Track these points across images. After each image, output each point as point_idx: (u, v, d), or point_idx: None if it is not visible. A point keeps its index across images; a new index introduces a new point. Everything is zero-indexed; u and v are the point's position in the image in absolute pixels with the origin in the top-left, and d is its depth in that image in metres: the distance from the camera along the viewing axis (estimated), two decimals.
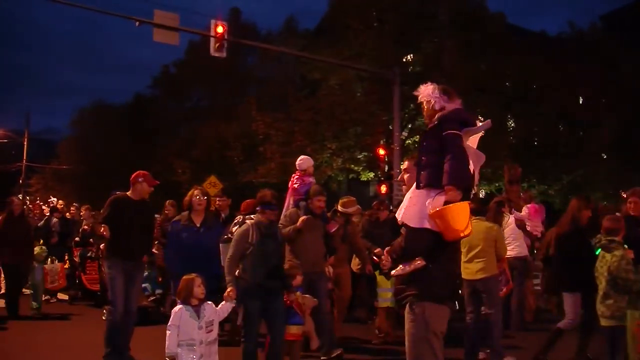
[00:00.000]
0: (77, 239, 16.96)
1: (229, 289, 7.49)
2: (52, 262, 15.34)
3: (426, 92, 5.74)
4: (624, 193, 12.68)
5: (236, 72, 40.61)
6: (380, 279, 11.08)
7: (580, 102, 33.05)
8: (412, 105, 29.65)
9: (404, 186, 6.44)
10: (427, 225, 5.29)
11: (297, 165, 10.82)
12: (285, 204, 10.44)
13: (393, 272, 5.56)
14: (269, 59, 40.18)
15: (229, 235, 8.93)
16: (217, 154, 36.64)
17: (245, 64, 42.87)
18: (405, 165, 6.51)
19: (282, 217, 9.89)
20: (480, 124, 5.77)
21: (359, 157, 31.22)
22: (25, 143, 51.99)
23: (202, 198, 9.57)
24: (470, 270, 9.22)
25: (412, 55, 32.10)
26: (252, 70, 42.43)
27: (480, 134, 5.74)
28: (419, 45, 30.28)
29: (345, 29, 29.71)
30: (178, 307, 6.82)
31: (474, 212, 9.49)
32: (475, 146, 5.68)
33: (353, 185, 35.44)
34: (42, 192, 52.86)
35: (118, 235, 9.18)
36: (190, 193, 9.71)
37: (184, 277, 7.02)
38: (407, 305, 5.45)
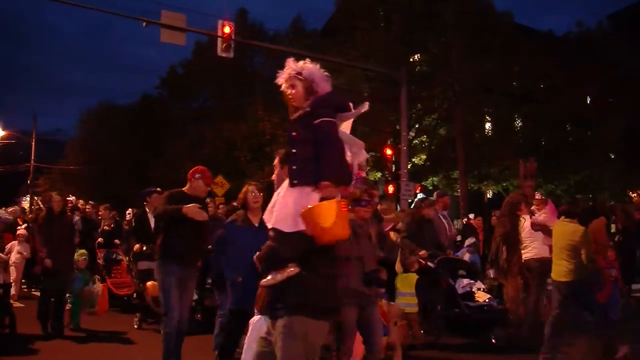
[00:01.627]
0: (99, 240, 15.61)
1: None
2: (93, 282, 13.22)
3: (311, 69, 4.86)
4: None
5: (243, 72, 40.58)
6: (400, 283, 10.31)
7: (588, 102, 33.00)
8: (419, 105, 29.70)
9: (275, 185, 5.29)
10: (302, 227, 4.50)
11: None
12: None
13: (263, 281, 4.81)
14: (276, 59, 40.16)
15: None
16: (224, 154, 36.66)
17: (252, 64, 42.82)
18: (275, 161, 5.49)
19: None
20: (354, 109, 5.02)
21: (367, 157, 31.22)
22: (33, 144, 52.02)
23: (258, 194, 8.26)
24: (556, 271, 9.21)
25: (419, 55, 32.11)
26: (259, 70, 42.38)
27: (352, 119, 5.10)
28: (426, 45, 30.29)
29: (352, 29, 29.74)
30: (257, 317, 6.06)
31: (564, 214, 9.50)
32: (348, 131, 5.04)
33: None
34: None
35: (174, 236, 8.35)
36: (244, 189, 8.46)
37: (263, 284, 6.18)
38: (280, 319, 4.60)
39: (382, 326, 7.58)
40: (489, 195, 35.97)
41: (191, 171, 9.08)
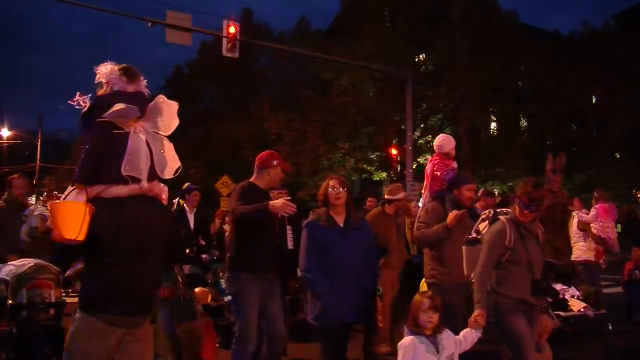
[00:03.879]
0: None
1: (477, 312, 5.70)
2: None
3: (104, 71, 4.54)
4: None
5: (249, 72, 40.58)
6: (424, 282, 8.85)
7: (593, 102, 32.98)
8: (424, 105, 29.68)
9: None
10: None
11: (436, 147, 8.49)
12: (423, 197, 8.29)
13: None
14: (281, 59, 40.18)
15: (475, 235, 6.66)
16: (230, 154, 36.67)
17: (258, 64, 42.82)
18: None
19: (422, 212, 7.80)
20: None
21: (371, 157, 31.26)
22: (39, 144, 52.11)
23: (340, 190, 6.88)
24: None
25: (424, 54, 32.13)
26: (265, 70, 42.38)
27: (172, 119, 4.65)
28: (431, 44, 30.28)
29: (358, 29, 29.75)
30: (408, 338, 5.29)
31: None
32: (166, 131, 4.58)
33: (365, 185, 35.43)
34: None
35: (251, 242, 6.92)
36: (325, 184, 7.09)
37: (415, 297, 5.46)
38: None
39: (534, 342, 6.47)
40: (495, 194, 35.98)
41: (264, 156, 7.38)
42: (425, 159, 31.64)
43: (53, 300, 7.43)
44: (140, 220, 4.15)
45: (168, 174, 4.33)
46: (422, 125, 31.59)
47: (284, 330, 7.09)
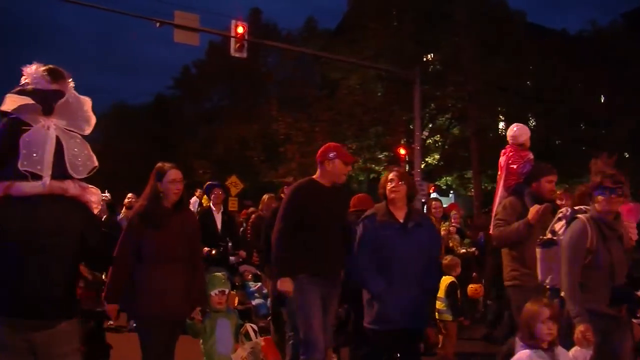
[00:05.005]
0: None
1: (581, 328, 4.96)
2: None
3: (28, 71, 4.40)
4: None
5: (256, 72, 40.62)
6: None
7: (601, 101, 32.90)
8: (432, 104, 29.65)
9: None
10: None
11: (509, 138, 7.75)
12: (497, 191, 7.69)
13: None
14: (289, 59, 40.21)
15: (550, 236, 5.91)
16: (238, 154, 36.71)
17: (266, 64, 42.86)
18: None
19: (499, 209, 7.18)
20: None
21: (379, 156, 31.25)
22: None
23: (398, 182, 6.27)
24: None
25: (432, 54, 32.11)
26: (273, 70, 42.43)
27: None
28: (438, 44, 30.25)
29: (365, 29, 29.73)
30: (524, 352, 4.67)
31: None
32: (84, 128, 4.43)
33: (374, 185, 35.42)
34: None
35: (312, 243, 6.37)
36: (384, 177, 6.52)
37: (528, 306, 4.78)
38: None
39: None
40: None
41: (323, 150, 6.72)
42: (434, 159, 31.67)
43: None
44: (40, 222, 3.98)
45: (81, 173, 4.17)
46: (430, 125, 31.56)
47: (329, 341, 6.67)
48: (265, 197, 12.26)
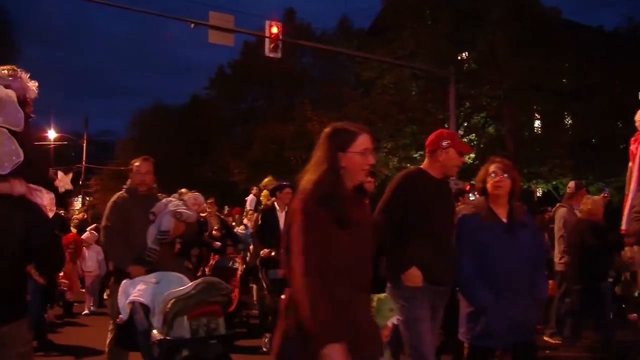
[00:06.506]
0: (216, 243, 12.75)
1: None
2: None
3: None
4: None
5: (291, 72, 40.69)
6: None
7: (639, 97, 32.54)
8: (467, 103, 29.51)
9: None
10: None
11: (638, 124, 7.14)
12: (631, 185, 6.84)
13: None
14: (323, 58, 40.24)
15: None
16: (273, 154, 36.79)
17: (300, 63, 42.94)
18: None
19: (636, 201, 6.33)
20: None
21: (414, 156, 31.12)
22: (84, 145, 52.78)
23: (503, 177, 5.54)
24: None
25: (466, 53, 31.95)
26: (307, 70, 42.50)
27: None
28: (473, 42, 30.10)
29: (399, 28, 29.68)
30: None
31: None
32: (15, 122, 4.20)
33: None
34: (101, 193, 53.64)
35: (424, 239, 5.53)
36: (483, 169, 5.79)
37: None
38: None
39: None
40: (539, 194, 35.55)
41: (433, 139, 5.94)
42: (470, 158, 31.53)
43: (223, 332, 5.88)
44: None
45: (6, 169, 4.01)
46: (465, 124, 31.39)
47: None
48: None
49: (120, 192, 7.28)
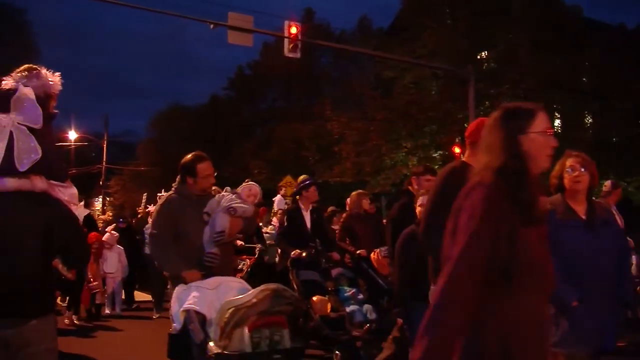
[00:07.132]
0: (239, 243, 12.32)
1: None
2: None
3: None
4: None
5: (310, 72, 40.75)
6: None
7: None
8: (487, 102, 29.40)
9: None
10: None
11: None
12: None
13: None
14: (343, 58, 40.25)
15: None
16: (293, 154, 36.85)
17: (320, 63, 42.99)
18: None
19: None
20: None
21: (434, 155, 31.06)
22: (105, 145, 52.98)
23: (582, 171, 5.17)
24: None
25: (486, 52, 31.84)
26: (327, 70, 42.53)
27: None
28: (493, 41, 29.99)
29: (419, 27, 29.62)
30: None
31: None
32: (34, 120, 4.29)
33: None
34: (121, 193, 53.86)
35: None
36: (560, 163, 5.29)
37: None
38: None
39: None
40: None
41: (473, 129, 5.47)
42: None
43: (287, 345, 5.38)
44: (6, 219, 3.97)
45: (25, 166, 4.07)
46: None
47: None
48: (354, 195, 11.60)
49: (170, 193, 6.62)
